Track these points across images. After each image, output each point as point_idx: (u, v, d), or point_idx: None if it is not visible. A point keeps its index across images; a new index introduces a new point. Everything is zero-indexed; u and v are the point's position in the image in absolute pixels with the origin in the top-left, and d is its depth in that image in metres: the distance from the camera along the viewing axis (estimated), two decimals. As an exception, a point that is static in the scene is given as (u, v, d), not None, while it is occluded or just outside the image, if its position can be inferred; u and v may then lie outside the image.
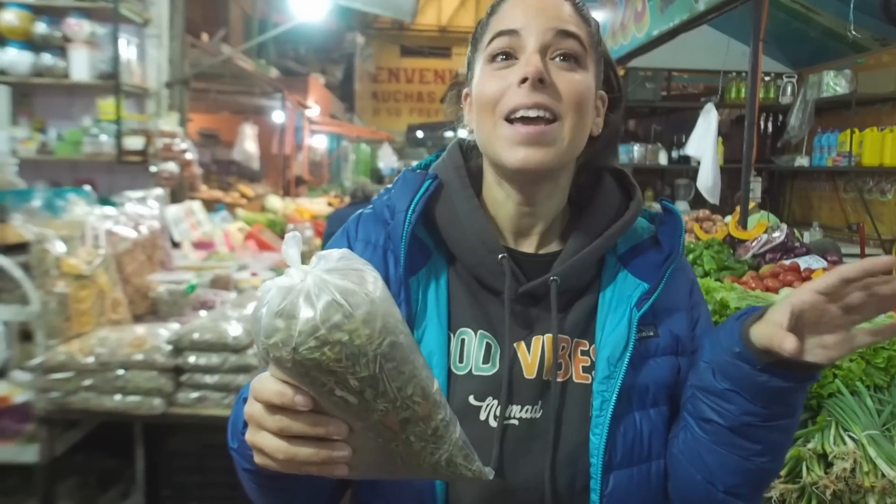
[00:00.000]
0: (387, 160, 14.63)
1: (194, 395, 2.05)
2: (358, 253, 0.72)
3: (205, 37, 6.22)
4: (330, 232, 5.16)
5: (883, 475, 1.18)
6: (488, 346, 0.82)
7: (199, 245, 3.69)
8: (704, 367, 0.77)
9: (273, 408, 0.58)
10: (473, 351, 0.82)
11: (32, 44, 3.80)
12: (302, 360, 0.53)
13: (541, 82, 0.77)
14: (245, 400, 0.63)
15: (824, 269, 2.79)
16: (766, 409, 0.72)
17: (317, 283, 0.53)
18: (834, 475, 1.21)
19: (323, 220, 6.26)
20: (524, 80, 0.77)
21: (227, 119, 9.13)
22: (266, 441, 0.60)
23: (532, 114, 0.77)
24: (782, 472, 1.29)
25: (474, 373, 0.81)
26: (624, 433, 0.80)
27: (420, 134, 20.41)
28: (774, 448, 0.76)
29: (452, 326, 0.83)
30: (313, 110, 10.46)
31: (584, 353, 0.84)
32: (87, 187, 2.49)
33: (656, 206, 1.03)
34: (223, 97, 7.82)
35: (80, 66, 3.84)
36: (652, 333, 0.84)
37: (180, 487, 2.47)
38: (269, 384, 0.58)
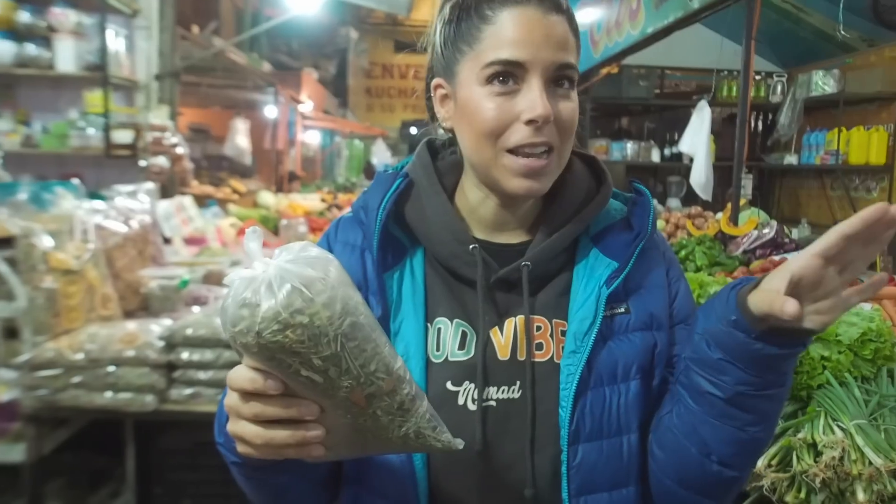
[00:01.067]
0: (381, 156, 14.59)
1: (188, 391, 2.04)
2: (336, 254, 0.75)
3: (195, 29, 6.16)
4: None
5: (870, 463, 1.19)
6: (464, 334, 0.85)
7: (190, 241, 3.66)
8: (698, 338, 0.77)
9: (247, 395, 0.62)
10: (449, 339, 0.84)
11: (15, 33, 3.72)
12: (266, 344, 0.56)
13: (546, 121, 0.78)
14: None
15: (814, 265, 2.81)
16: (759, 378, 0.73)
17: (278, 273, 0.57)
18: (823, 463, 1.22)
19: (317, 216, 6.25)
20: (533, 121, 0.78)
21: (218, 114, 9.07)
22: (245, 429, 0.63)
23: (538, 151, 0.79)
24: (773, 462, 1.30)
25: (450, 359, 0.84)
26: (591, 407, 0.81)
27: (413, 130, 20.40)
28: (766, 417, 0.77)
29: (429, 317, 0.85)
30: (306, 105, 10.40)
31: (564, 333, 0.85)
32: (76, 181, 2.46)
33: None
34: (214, 91, 7.75)
35: (66, 56, 3.77)
36: (623, 310, 0.86)
37: (173, 485, 2.45)
38: (241, 373, 0.62)
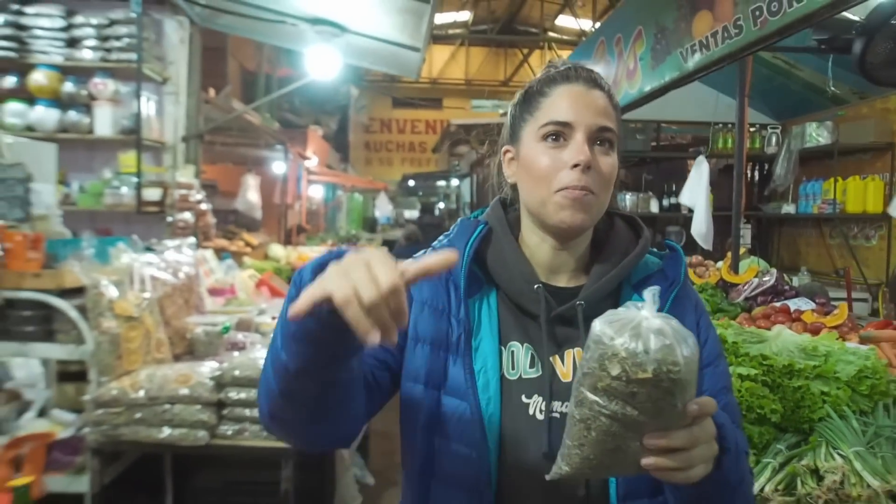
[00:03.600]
0: (383, 209, 14.91)
1: (235, 427, 2.19)
2: (425, 285, 0.98)
3: (212, 92, 6.48)
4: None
5: (868, 486, 1.32)
6: (533, 357, 1.01)
7: (213, 291, 3.82)
8: None
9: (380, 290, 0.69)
10: (521, 359, 1.00)
11: (59, 101, 4.00)
12: (662, 376, 0.73)
13: (588, 168, 0.97)
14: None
15: (813, 311, 2.97)
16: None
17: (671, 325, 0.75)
18: (825, 487, 1.35)
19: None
20: (576, 165, 0.97)
21: (226, 169, 9.34)
22: (342, 288, 0.69)
23: (580, 190, 0.97)
24: (780, 486, 1.43)
25: (523, 377, 0.99)
26: None
27: (412, 183, 20.79)
28: None
29: (503, 341, 1.01)
30: (312, 161, 10.73)
31: None
32: (135, 237, 2.65)
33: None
34: (227, 149, 8.05)
35: (104, 122, 4.03)
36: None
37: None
38: (395, 277, 0.70)
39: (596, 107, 1.00)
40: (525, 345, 1.01)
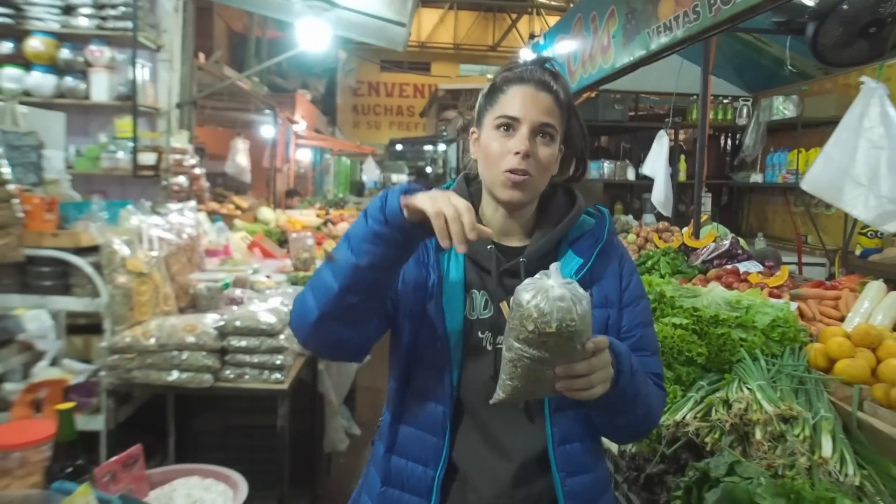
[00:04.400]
0: (370, 173, 15.04)
1: (237, 371, 2.46)
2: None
3: (202, 57, 6.57)
4: None
5: (766, 412, 1.62)
6: (486, 301, 1.27)
7: (208, 253, 4.03)
8: None
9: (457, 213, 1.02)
10: (478, 303, 1.27)
11: (56, 68, 4.12)
12: (563, 329, 0.99)
13: (527, 155, 1.21)
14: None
15: (759, 273, 3.26)
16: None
17: (570, 293, 1.00)
18: (732, 413, 1.65)
19: (316, 230, 6.69)
20: (517, 153, 1.21)
21: (214, 132, 9.46)
22: (433, 206, 1.03)
23: (520, 174, 1.22)
24: (698, 415, 1.73)
25: (480, 317, 1.26)
26: None
27: (400, 147, 20.85)
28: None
29: (467, 288, 1.27)
30: (300, 125, 10.83)
31: None
32: (143, 200, 2.87)
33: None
34: (216, 113, 8.17)
35: (100, 88, 4.17)
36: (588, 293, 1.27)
37: (205, 462, 2.86)
38: (466, 208, 1.03)
39: (541, 106, 1.23)
40: (482, 292, 1.27)
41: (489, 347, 1.24)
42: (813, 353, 1.91)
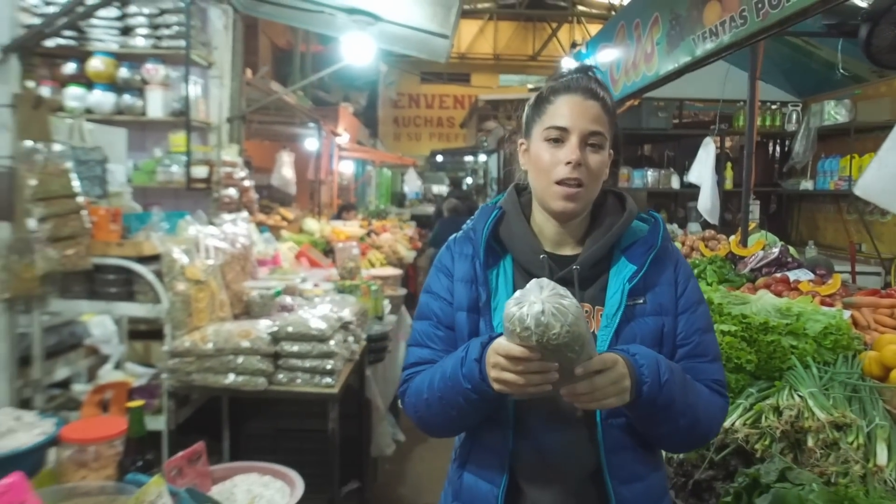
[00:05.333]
0: (412, 185, 15.19)
1: (289, 375, 2.55)
2: (456, 260, 1.33)
3: (249, 73, 6.78)
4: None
5: (818, 419, 1.60)
6: None
7: (258, 262, 4.16)
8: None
9: (515, 360, 1.05)
10: None
11: (115, 86, 4.32)
12: (552, 343, 1.01)
13: (578, 164, 1.23)
14: (470, 364, 1.15)
15: (810, 281, 3.20)
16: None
17: (556, 310, 1.01)
18: (783, 420, 1.64)
19: (360, 240, 6.84)
20: (569, 163, 1.23)
21: (261, 146, 9.70)
22: (508, 377, 1.06)
23: (572, 183, 1.24)
24: (748, 422, 1.72)
25: None
26: None
27: (440, 158, 21.00)
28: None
29: None
30: (343, 138, 11.04)
31: (602, 315, 1.28)
32: (199, 211, 3.00)
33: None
34: (261, 126, 8.39)
35: (156, 104, 4.35)
36: (641, 301, 1.27)
37: (259, 463, 2.94)
38: (510, 347, 1.05)
39: (589, 115, 1.25)
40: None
41: None
42: (867, 361, 1.88)
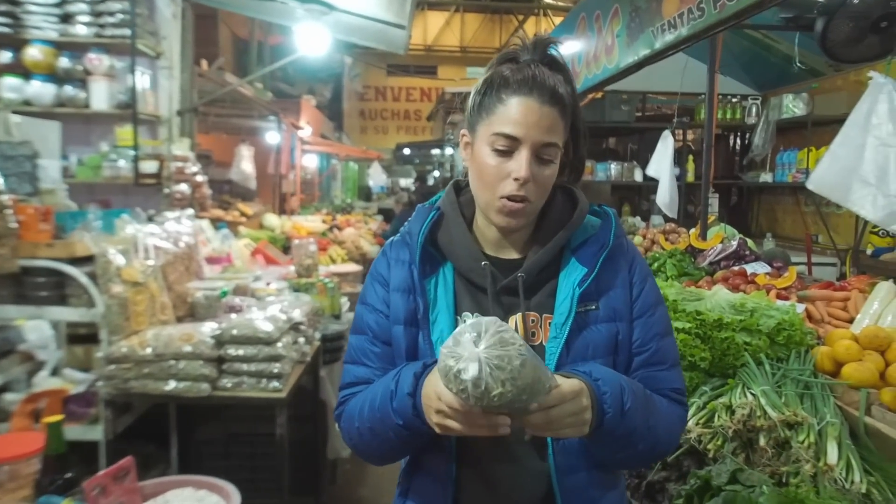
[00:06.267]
0: (377, 178, 15.05)
1: (234, 380, 2.43)
2: (392, 267, 1.20)
3: (204, 64, 6.58)
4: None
5: (770, 417, 1.57)
6: None
7: (210, 260, 4.00)
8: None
9: (457, 412, 0.95)
10: None
11: (55, 76, 4.12)
12: (496, 401, 0.90)
13: (527, 181, 1.10)
14: (402, 392, 1.05)
15: (766, 274, 3.20)
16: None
17: (497, 365, 0.89)
18: (735, 419, 1.60)
19: (321, 235, 6.70)
20: (517, 179, 1.09)
21: (220, 140, 9.47)
22: (452, 424, 0.97)
23: (517, 199, 1.11)
24: (700, 421, 1.68)
25: None
26: None
27: (407, 151, 20.87)
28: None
29: (458, 311, 1.16)
30: (305, 131, 10.85)
31: (551, 324, 1.16)
32: (138, 209, 2.86)
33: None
34: (220, 120, 8.18)
35: (100, 96, 4.17)
36: (593, 307, 1.16)
37: (209, 471, 2.82)
38: (454, 402, 0.95)
39: (544, 124, 1.09)
40: (475, 314, 1.11)
41: None
42: (819, 356, 1.86)
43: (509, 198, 1.11)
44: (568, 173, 1.25)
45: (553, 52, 1.16)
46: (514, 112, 1.10)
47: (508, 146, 1.10)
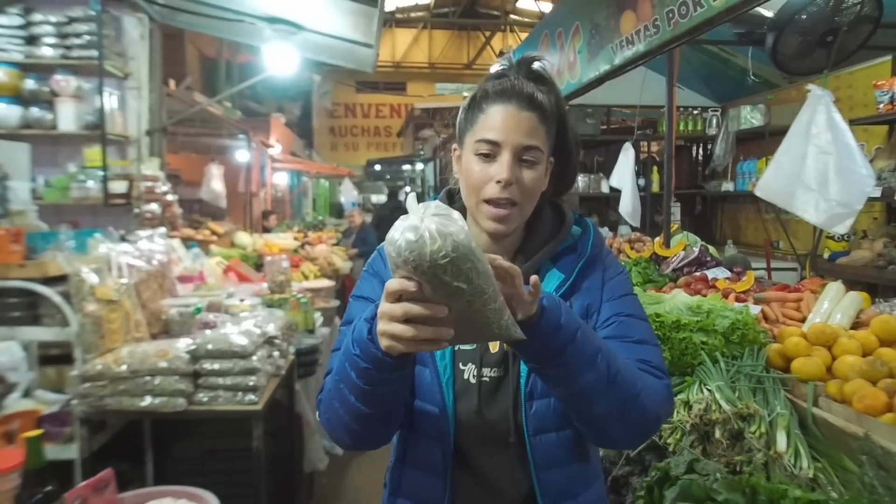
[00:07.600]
0: (348, 195, 15.07)
1: (210, 394, 2.46)
2: (388, 266, 1.02)
3: (172, 83, 6.59)
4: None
5: (724, 411, 1.66)
6: None
7: (182, 279, 4.02)
8: None
9: (398, 298, 0.87)
10: None
11: (21, 98, 4.11)
12: (432, 267, 0.84)
13: (509, 183, 1.13)
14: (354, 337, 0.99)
15: (727, 279, 3.33)
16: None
17: (437, 228, 0.84)
18: (693, 414, 1.68)
19: (293, 252, 6.72)
20: (499, 181, 1.13)
21: (189, 159, 9.43)
22: (395, 328, 0.88)
23: (502, 202, 1.14)
24: (660, 417, 1.76)
25: (461, 348, 1.21)
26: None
27: (378, 167, 20.94)
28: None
29: None
30: (275, 149, 10.86)
31: None
32: (110, 228, 2.87)
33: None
34: (189, 139, 8.16)
35: (67, 117, 4.17)
36: (567, 304, 1.15)
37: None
38: (393, 282, 0.87)
39: (524, 128, 1.14)
40: None
41: (472, 381, 1.19)
42: (771, 353, 1.96)
43: (494, 201, 1.15)
44: (557, 183, 1.28)
45: (537, 67, 1.22)
46: (494, 119, 1.15)
47: (490, 150, 1.15)
